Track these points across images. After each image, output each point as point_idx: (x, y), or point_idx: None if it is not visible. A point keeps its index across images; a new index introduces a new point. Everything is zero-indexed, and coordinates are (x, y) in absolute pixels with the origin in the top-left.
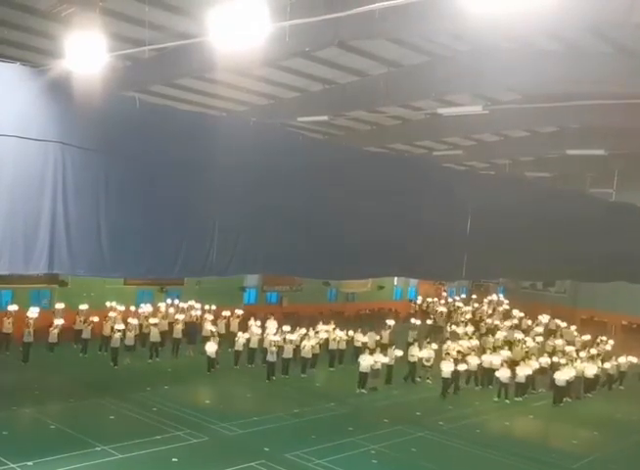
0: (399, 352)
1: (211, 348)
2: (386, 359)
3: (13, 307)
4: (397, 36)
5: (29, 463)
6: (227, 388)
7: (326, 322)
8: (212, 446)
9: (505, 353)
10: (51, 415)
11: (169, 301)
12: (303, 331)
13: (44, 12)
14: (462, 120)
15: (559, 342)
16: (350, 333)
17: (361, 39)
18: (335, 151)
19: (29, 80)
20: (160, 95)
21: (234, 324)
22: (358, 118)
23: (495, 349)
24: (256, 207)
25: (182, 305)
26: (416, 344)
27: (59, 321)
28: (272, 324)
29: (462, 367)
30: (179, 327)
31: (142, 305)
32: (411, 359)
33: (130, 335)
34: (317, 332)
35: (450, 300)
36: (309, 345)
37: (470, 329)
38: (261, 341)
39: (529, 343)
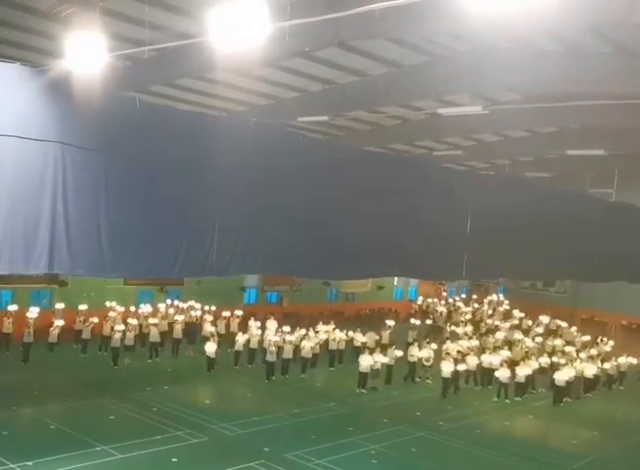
0: (399, 353)
1: (211, 348)
2: (385, 359)
3: (13, 307)
4: (397, 36)
5: (29, 463)
6: (227, 388)
7: (326, 322)
8: (212, 446)
9: (505, 354)
10: (51, 415)
11: (169, 301)
12: (303, 332)
13: (44, 12)
14: (462, 120)
15: (558, 342)
16: (350, 333)
17: (361, 39)
18: (335, 151)
19: (29, 80)
20: (159, 95)
21: (234, 324)
22: (358, 119)
23: (495, 349)
24: (256, 207)
25: (182, 305)
26: (416, 344)
27: (59, 322)
28: (272, 324)
29: (461, 367)
30: (179, 327)
31: (141, 305)
32: (411, 359)
33: (130, 335)
34: (317, 332)
35: (450, 300)
36: (309, 345)
37: (469, 329)
38: (261, 341)
39: (528, 343)
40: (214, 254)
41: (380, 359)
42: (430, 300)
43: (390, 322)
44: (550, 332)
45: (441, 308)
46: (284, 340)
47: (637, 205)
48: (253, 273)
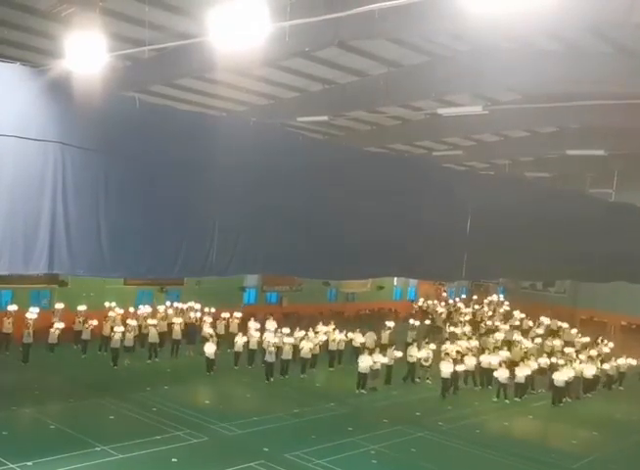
0: (399, 353)
1: (210, 349)
2: (385, 360)
3: (13, 308)
4: (397, 36)
5: (29, 463)
6: (227, 388)
7: (326, 322)
8: (212, 446)
9: (504, 354)
10: (51, 415)
11: (169, 303)
12: (302, 333)
13: (44, 12)
14: (462, 121)
15: (557, 342)
16: (350, 335)
17: (361, 39)
18: (335, 151)
19: (29, 80)
20: (159, 95)
21: (233, 325)
22: (358, 119)
23: (494, 349)
24: (256, 207)
25: (182, 306)
26: (415, 344)
27: (59, 324)
28: (271, 324)
29: (460, 368)
30: (178, 328)
31: (140, 306)
32: (410, 360)
33: (130, 336)
34: (317, 332)
35: (451, 301)
36: (308, 346)
37: (467, 329)
38: (260, 342)
39: (527, 343)
40: (214, 254)
41: (379, 360)
42: (430, 302)
43: (390, 323)
44: (551, 332)
45: (441, 309)
46: (283, 341)
47: (637, 205)
48: (253, 273)
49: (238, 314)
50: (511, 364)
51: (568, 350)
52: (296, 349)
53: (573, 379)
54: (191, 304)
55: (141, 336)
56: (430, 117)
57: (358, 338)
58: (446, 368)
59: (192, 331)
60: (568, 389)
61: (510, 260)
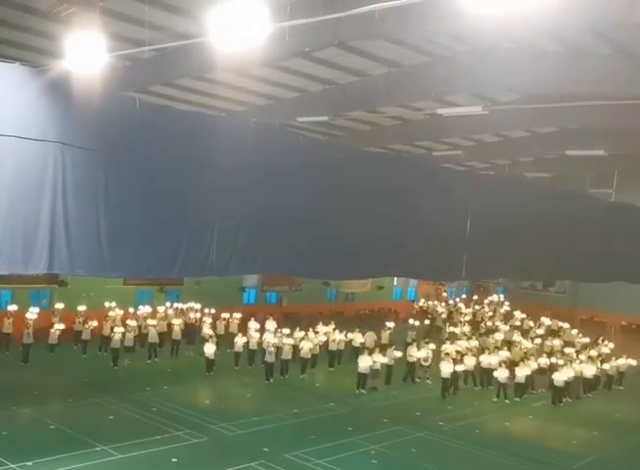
0: (399, 354)
1: (210, 349)
2: (385, 360)
3: (12, 308)
4: (397, 37)
5: (29, 463)
6: (227, 388)
7: (326, 322)
8: (212, 446)
9: (504, 354)
10: (51, 415)
11: (168, 304)
12: (302, 334)
13: (44, 12)
14: (462, 121)
15: (556, 342)
16: (350, 335)
17: (361, 39)
18: (335, 151)
19: (29, 80)
20: (159, 95)
21: (233, 325)
22: (358, 119)
23: (494, 349)
24: (256, 207)
25: (182, 306)
26: (414, 344)
27: (59, 326)
28: (271, 325)
29: (460, 368)
30: (177, 329)
31: (140, 306)
32: (410, 360)
33: (129, 336)
34: (317, 332)
35: (451, 302)
36: (307, 347)
37: (466, 329)
38: (260, 342)
39: (526, 344)
40: (214, 254)
41: (379, 360)
42: (431, 303)
43: (390, 324)
44: (552, 332)
45: (442, 309)
46: (282, 342)
47: (637, 205)
48: (253, 273)
49: (237, 315)
50: (511, 364)
51: (568, 350)
52: (295, 349)
53: (573, 379)
54: (191, 304)
55: (141, 336)
56: (430, 117)
57: (358, 338)
58: (446, 368)
59: (192, 331)
60: (568, 389)
61: (510, 260)
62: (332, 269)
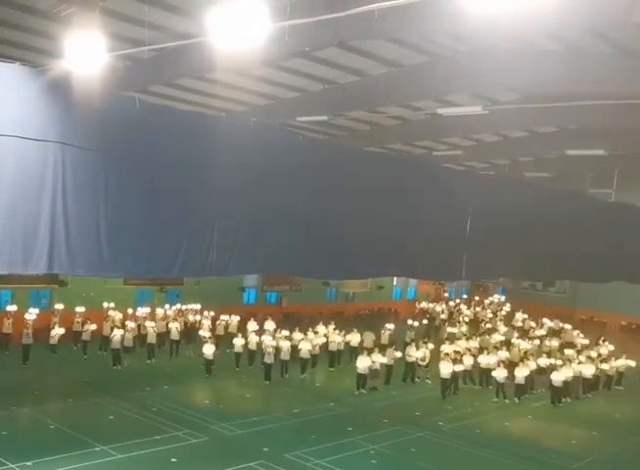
0: (398, 353)
1: (209, 350)
2: (384, 360)
3: (12, 308)
4: (397, 36)
5: (29, 463)
6: (226, 388)
7: (326, 323)
8: (212, 446)
9: (503, 354)
10: (50, 415)
11: (168, 306)
12: (300, 336)
13: (44, 12)
14: (462, 121)
15: (555, 343)
16: (348, 337)
17: (361, 39)
18: (335, 151)
19: (29, 80)
20: (159, 95)
21: (232, 325)
22: (358, 119)
23: (493, 349)
24: (256, 207)
25: (183, 307)
26: (413, 344)
27: (59, 330)
28: (270, 325)
29: (459, 368)
30: (175, 330)
31: (139, 308)
32: (409, 359)
33: (129, 336)
34: (316, 332)
35: (452, 303)
36: (306, 348)
37: (464, 329)
38: (259, 343)
39: (525, 345)
40: (214, 254)
41: (378, 360)
42: (431, 304)
43: (390, 325)
44: (553, 333)
45: (439, 309)
46: (279, 344)
47: (637, 205)
48: (253, 273)
49: (236, 317)
50: (510, 365)
51: (568, 351)
52: (294, 349)
53: (573, 379)
54: (190, 306)
55: (140, 336)
56: (430, 116)
57: (355, 338)
58: (445, 369)
59: (191, 331)
60: (567, 389)
61: (510, 260)
62: (332, 269)
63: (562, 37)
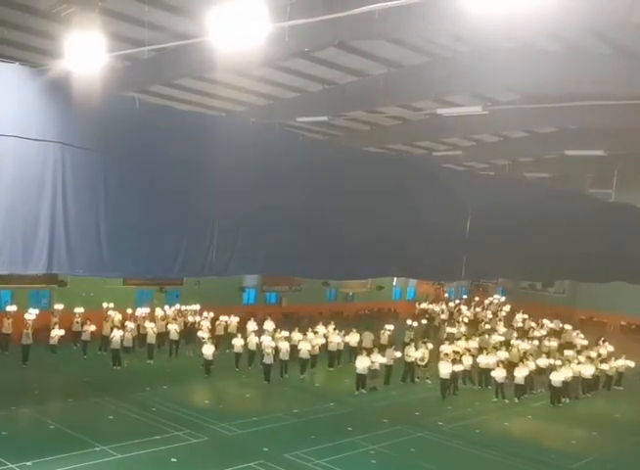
0: (398, 354)
1: (208, 350)
2: (383, 360)
3: (12, 308)
4: (397, 37)
5: (28, 463)
6: (226, 388)
7: (325, 323)
8: (212, 446)
9: (502, 354)
10: (50, 415)
11: (167, 307)
12: (300, 336)
13: (44, 12)
14: (461, 121)
15: (554, 343)
16: (347, 337)
17: (361, 39)
18: (335, 151)
19: (29, 80)
20: (159, 95)
21: (232, 326)
22: (358, 119)
23: (493, 349)
24: (256, 207)
25: (182, 307)
26: (412, 344)
27: (59, 332)
28: (269, 325)
29: (458, 368)
30: (174, 331)
31: (139, 308)
32: (408, 359)
33: (128, 336)
34: (316, 332)
35: (452, 303)
36: (305, 348)
37: (463, 329)
38: (259, 344)
39: (524, 345)
40: (214, 254)
41: (378, 360)
42: (431, 306)
43: (390, 326)
44: (554, 333)
45: (438, 309)
46: (278, 345)
47: (637, 205)
48: (253, 273)
49: (235, 318)
50: (509, 365)
51: (568, 351)
52: (294, 349)
53: (572, 379)
54: (190, 307)
55: (140, 336)
56: (429, 117)
57: (354, 338)
58: (444, 369)
59: (191, 332)
60: (566, 389)
61: (510, 260)
62: (332, 269)
63: (562, 37)
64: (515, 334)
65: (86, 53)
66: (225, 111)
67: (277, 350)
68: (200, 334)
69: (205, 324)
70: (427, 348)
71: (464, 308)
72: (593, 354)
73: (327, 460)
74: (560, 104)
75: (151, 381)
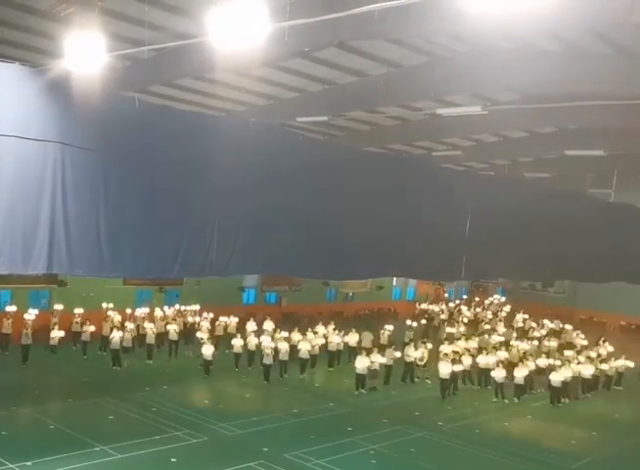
0: (398, 354)
1: (208, 350)
2: (383, 360)
3: (12, 308)
4: (397, 37)
5: (28, 463)
6: (226, 388)
7: (325, 323)
8: (211, 446)
9: (502, 354)
10: (50, 415)
11: (167, 308)
12: (299, 336)
13: (44, 12)
14: (461, 121)
15: (553, 343)
16: (347, 339)
17: (361, 39)
18: (335, 151)
19: (29, 80)
20: (159, 95)
21: (231, 326)
22: (358, 119)
23: (492, 349)
24: (256, 207)
25: (182, 307)
26: (412, 344)
27: (59, 333)
28: (269, 325)
29: (458, 368)
30: (173, 331)
31: (138, 309)
32: (407, 359)
33: (128, 337)
34: (316, 333)
35: (452, 304)
36: (305, 348)
37: (462, 329)
38: (258, 344)
39: (523, 345)
40: (214, 254)
41: (377, 360)
42: (431, 306)
43: (390, 327)
44: (554, 333)
45: (438, 309)
46: (277, 346)
47: (637, 205)
48: (253, 273)
49: (235, 319)
50: (509, 365)
51: (568, 351)
52: (293, 349)
53: (572, 379)
54: (189, 307)
55: (140, 336)
56: (429, 117)
57: (354, 338)
58: (444, 369)
59: (190, 332)
60: (566, 389)
61: (510, 260)
62: (332, 269)
63: (562, 37)
64: (514, 334)
65: (86, 53)
66: (225, 111)
67: (276, 350)
68: (199, 335)
69: (205, 325)
70: (426, 347)
71: (464, 309)
72: (593, 355)
73: (327, 460)
74: (560, 104)
75: (150, 381)
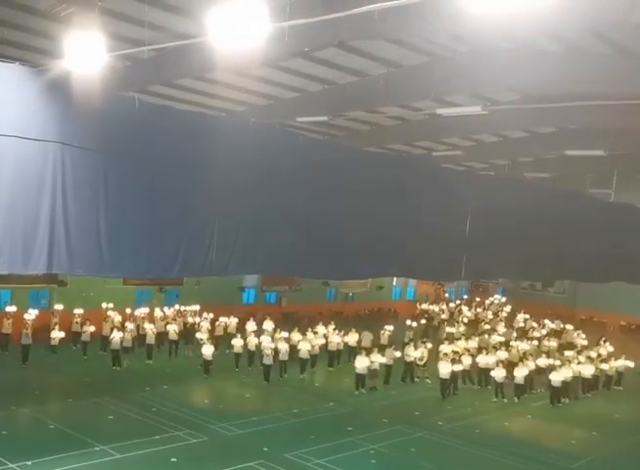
0: (398, 353)
1: (208, 350)
2: (383, 360)
3: (12, 308)
4: (397, 37)
5: (28, 463)
6: (226, 388)
7: (325, 323)
8: (211, 446)
9: (501, 354)
10: (50, 415)
11: (167, 308)
12: (299, 336)
13: (44, 12)
14: (461, 121)
15: (553, 343)
16: (346, 339)
17: (361, 39)
18: (335, 151)
19: (29, 80)
20: (159, 95)
21: (231, 326)
22: (358, 119)
23: (492, 349)
24: (256, 206)
25: (182, 308)
26: (412, 344)
27: (59, 334)
28: (268, 325)
29: (458, 368)
30: (173, 331)
31: (138, 309)
32: (407, 359)
33: (128, 337)
34: (316, 333)
35: (453, 304)
36: (305, 348)
37: (462, 329)
38: (258, 344)
39: (523, 346)
40: (214, 254)
41: (377, 359)
42: (432, 306)
43: (390, 327)
44: (554, 333)
45: (439, 308)
46: (277, 346)
47: (637, 205)
48: (253, 273)
49: (235, 319)
50: (509, 365)
51: (568, 351)
52: (293, 349)
53: (572, 379)
54: (189, 307)
55: (140, 337)
56: (429, 117)
57: (353, 338)
58: (444, 369)
59: (190, 332)
60: (566, 389)
61: (510, 260)
62: (332, 269)
63: (562, 37)
64: (514, 334)
65: (86, 53)
66: (225, 111)
67: (276, 350)
68: (198, 335)
69: (205, 325)
70: (426, 347)
71: (465, 309)
72: (593, 354)
73: (327, 460)
74: (560, 104)
75: (150, 381)
